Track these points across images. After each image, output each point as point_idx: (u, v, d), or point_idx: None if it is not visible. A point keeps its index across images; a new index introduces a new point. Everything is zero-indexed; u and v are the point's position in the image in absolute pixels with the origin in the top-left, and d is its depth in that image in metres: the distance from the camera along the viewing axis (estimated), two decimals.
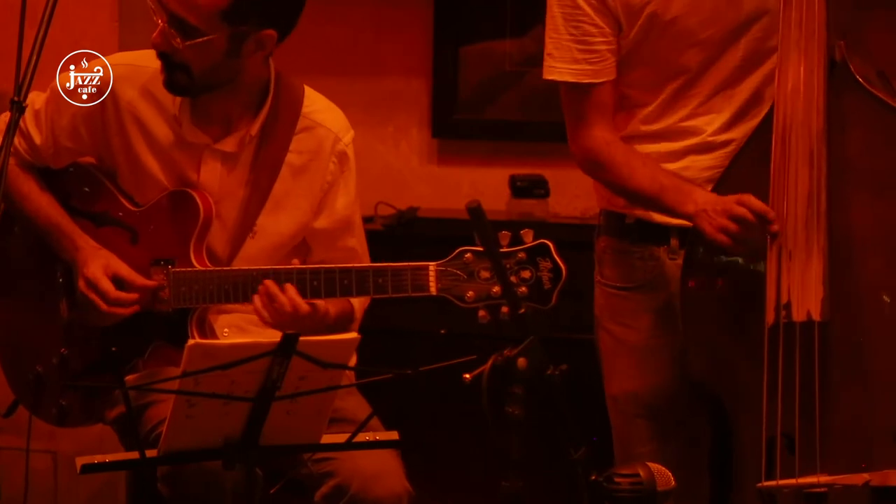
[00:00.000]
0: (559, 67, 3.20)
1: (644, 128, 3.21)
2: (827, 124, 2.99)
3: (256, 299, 3.08)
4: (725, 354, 3.09)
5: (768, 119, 3.05)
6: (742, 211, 3.00)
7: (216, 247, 3.26)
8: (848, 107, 3.02)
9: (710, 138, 3.18)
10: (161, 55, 3.14)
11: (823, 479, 2.95)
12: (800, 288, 2.99)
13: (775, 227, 2.99)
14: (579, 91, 3.19)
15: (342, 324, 3.24)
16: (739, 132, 3.16)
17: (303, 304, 3.05)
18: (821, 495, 2.97)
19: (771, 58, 3.12)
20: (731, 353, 3.08)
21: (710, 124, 3.18)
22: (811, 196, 2.99)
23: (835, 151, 3.00)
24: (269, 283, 3.06)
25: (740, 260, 3.07)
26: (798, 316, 2.99)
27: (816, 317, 2.98)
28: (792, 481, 2.97)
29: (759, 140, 3.06)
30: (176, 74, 3.15)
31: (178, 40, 3.09)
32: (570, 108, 3.23)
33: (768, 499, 3.02)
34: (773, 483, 2.98)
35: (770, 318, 3.00)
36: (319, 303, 3.10)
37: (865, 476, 2.94)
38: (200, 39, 3.08)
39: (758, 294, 3.01)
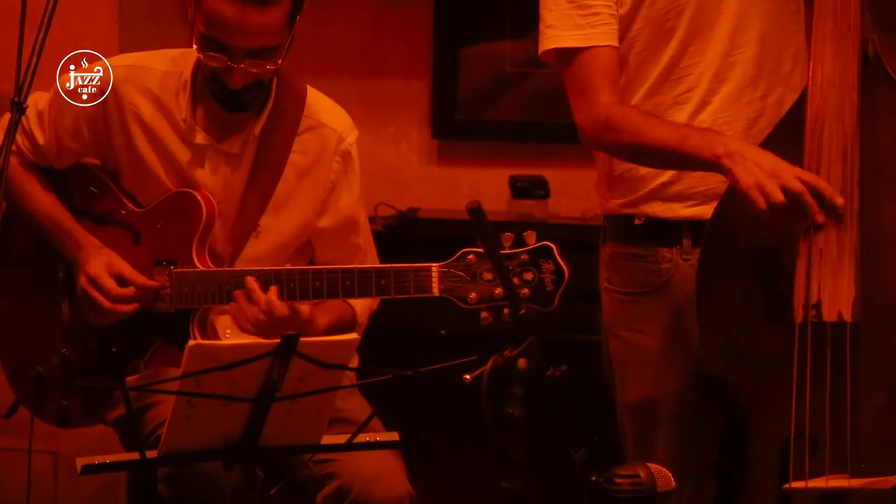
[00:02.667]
0: (561, 35, 3.13)
1: (647, 103, 3.17)
2: (860, 120, 2.96)
3: (231, 305, 3.08)
4: (743, 350, 3.05)
5: (796, 111, 3.00)
6: (799, 187, 2.88)
7: (219, 247, 3.26)
8: (881, 103, 2.97)
9: (714, 113, 3.13)
10: (245, 88, 3.13)
11: (853, 482, 2.91)
12: (831, 287, 2.94)
13: (840, 202, 2.88)
14: (583, 58, 3.12)
15: (339, 332, 3.23)
16: (746, 112, 3.13)
17: (279, 307, 3.05)
18: (840, 496, 2.95)
19: (758, 20, 3.10)
20: (749, 348, 3.05)
21: (712, 95, 3.13)
22: (844, 194, 2.92)
23: (867, 148, 2.95)
24: (250, 279, 3.07)
25: (764, 248, 3.00)
26: (829, 316, 2.93)
27: (848, 317, 2.93)
28: (821, 482, 2.93)
29: (787, 131, 2.99)
30: (252, 93, 3.16)
31: (270, 66, 3.10)
32: (574, 78, 3.15)
33: (784, 499, 2.99)
34: (801, 484, 2.94)
35: (799, 316, 2.95)
36: (303, 309, 3.09)
37: (893, 480, 2.91)
38: (283, 53, 3.11)
39: (781, 287, 2.96)
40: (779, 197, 2.88)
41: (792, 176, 2.90)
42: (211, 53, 3.09)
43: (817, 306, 2.94)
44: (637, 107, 3.15)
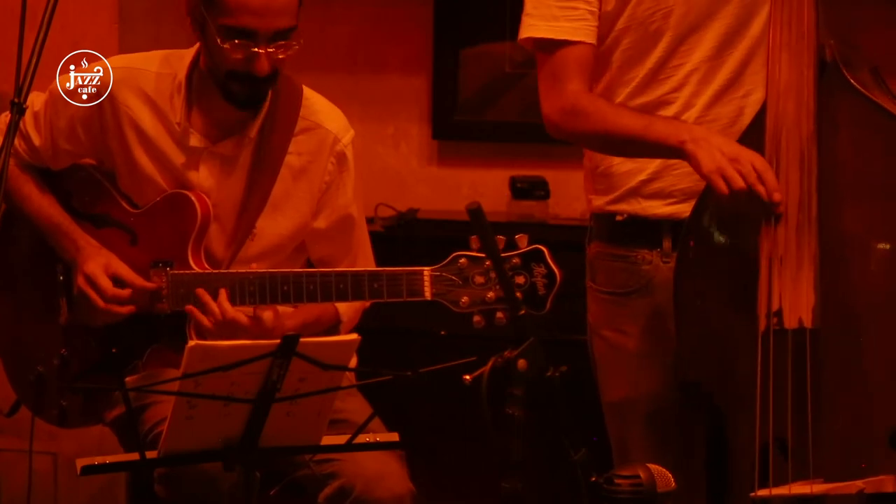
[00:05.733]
0: (537, 24, 3.14)
1: (631, 103, 3.16)
2: (818, 127, 2.97)
3: (194, 310, 3.12)
4: (720, 353, 3.07)
5: (758, 121, 3.02)
6: (750, 174, 2.91)
7: (215, 249, 3.26)
8: (839, 109, 2.98)
9: (699, 113, 3.13)
10: (268, 77, 3.12)
11: (816, 487, 2.93)
12: (791, 294, 2.95)
13: (777, 199, 2.92)
14: (556, 49, 3.12)
15: (315, 331, 3.23)
16: (728, 110, 3.13)
17: (229, 310, 3.08)
18: (814, 500, 2.95)
19: (757, 21, 3.10)
20: (725, 351, 3.06)
21: (697, 97, 3.13)
22: (802, 201, 2.94)
23: (826, 154, 2.96)
24: (200, 291, 3.10)
25: (734, 255, 3.02)
26: (789, 323, 2.95)
27: (808, 324, 2.94)
28: (785, 490, 2.94)
29: (750, 139, 3.00)
30: (268, 84, 3.16)
31: (294, 46, 3.11)
32: (545, 68, 3.15)
33: (763, 502, 3.00)
34: (765, 492, 2.96)
35: (762, 324, 2.96)
36: (266, 316, 3.11)
37: (859, 484, 2.91)
38: (299, 34, 3.11)
39: (750, 293, 2.98)
40: (739, 182, 2.91)
41: (748, 163, 2.93)
42: (235, 42, 3.08)
43: (779, 314, 2.95)
44: (605, 97, 3.16)
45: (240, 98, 3.15)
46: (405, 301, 2.93)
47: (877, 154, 2.99)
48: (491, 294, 2.82)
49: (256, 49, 3.08)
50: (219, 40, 3.09)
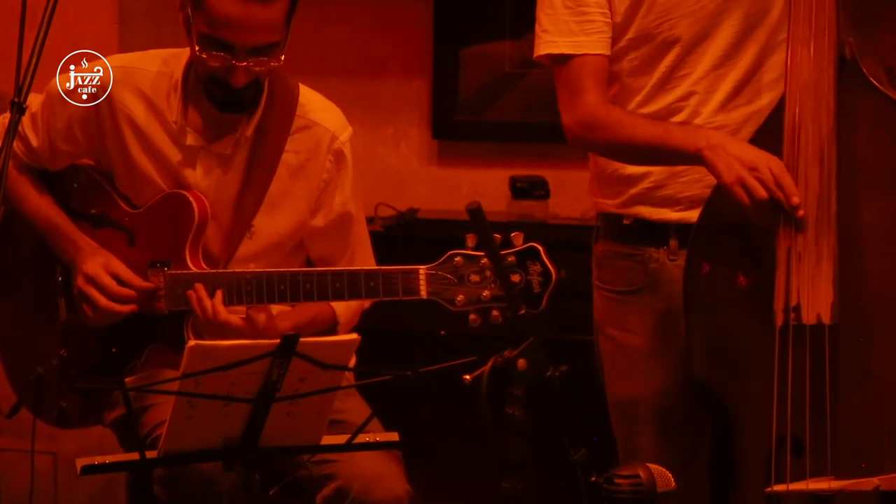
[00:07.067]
0: (556, 41, 3.16)
1: (641, 112, 3.18)
2: (837, 124, 2.98)
3: (193, 298, 3.12)
4: (729, 354, 3.07)
5: (775, 116, 3.02)
6: (770, 181, 2.92)
7: (213, 248, 3.26)
8: (858, 106, 2.98)
9: (705, 121, 3.14)
10: (246, 87, 3.12)
11: (834, 484, 2.93)
12: (810, 290, 2.96)
13: (801, 213, 2.93)
14: (574, 62, 3.15)
15: (310, 332, 3.22)
16: (733, 117, 3.14)
17: (221, 312, 3.08)
18: (828, 497, 2.96)
19: (763, 30, 3.11)
20: (735, 352, 3.06)
21: (703, 105, 3.15)
22: (821, 197, 2.95)
23: (844, 151, 2.97)
24: (198, 285, 3.10)
25: (747, 253, 3.03)
26: (808, 319, 2.95)
27: (826, 320, 2.95)
28: (802, 485, 2.94)
29: (767, 136, 3.01)
30: (250, 91, 3.15)
31: (273, 62, 3.10)
32: (563, 80, 3.18)
33: (774, 501, 3.00)
34: (783, 487, 2.96)
35: (779, 320, 2.97)
36: (259, 318, 3.11)
37: (875, 481, 2.91)
38: (283, 49, 3.11)
39: (763, 290, 2.99)
40: (760, 192, 2.93)
41: (766, 169, 2.93)
42: (213, 53, 3.08)
43: (797, 309, 2.96)
44: (621, 108, 3.17)
45: (219, 101, 3.15)
46: (402, 300, 2.93)
47: (895, 151, 2.99)
48: (487, 292, 2.81)
49: (234, 62, 3.07)
50: (197, 48, 3.09)
